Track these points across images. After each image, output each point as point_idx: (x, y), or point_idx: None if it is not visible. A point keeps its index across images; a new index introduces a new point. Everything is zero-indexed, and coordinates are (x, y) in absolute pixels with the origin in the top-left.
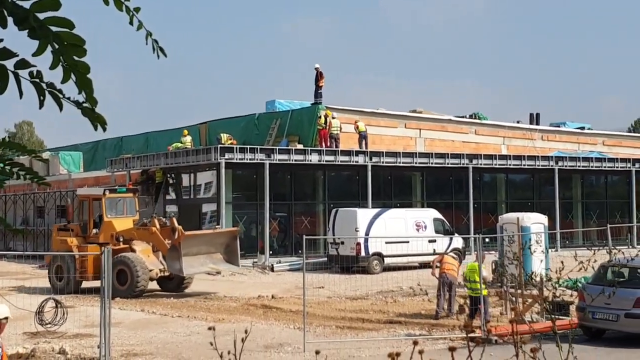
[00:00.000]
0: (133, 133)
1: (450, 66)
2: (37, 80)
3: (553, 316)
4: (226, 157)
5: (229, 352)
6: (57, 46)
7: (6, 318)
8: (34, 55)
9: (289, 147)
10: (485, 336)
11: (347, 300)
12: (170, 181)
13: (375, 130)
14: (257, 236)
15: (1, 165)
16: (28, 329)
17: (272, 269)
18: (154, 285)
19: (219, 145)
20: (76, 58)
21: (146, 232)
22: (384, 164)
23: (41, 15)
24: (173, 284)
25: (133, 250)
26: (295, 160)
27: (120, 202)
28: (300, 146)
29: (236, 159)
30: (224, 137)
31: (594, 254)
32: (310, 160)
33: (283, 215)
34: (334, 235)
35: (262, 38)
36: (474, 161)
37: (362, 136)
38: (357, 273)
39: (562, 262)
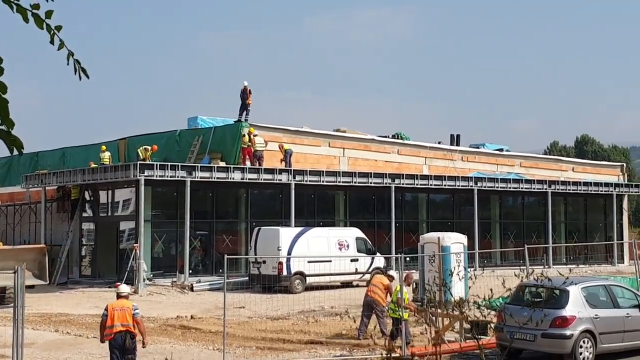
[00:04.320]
0: (49, 148)
1: (373, 86)
2: None
3: (477, 336)
4: (146, 174)
5: None
6: None
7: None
8: None
9: (211, 165)
10: (406, 356)
11: (268, 321)
12: (88, 198)
13: (299, 149)
14: (177, 255)
15: None
16: None
17: (191, 289)
18: None
19: (139, 162)
20: None
21: None
22: (308, 183)
23: None
24: None
25: None
26: (218, 178)
27: None
28: (222, 164)
29: (156, 176)
30: (141, 151)
31: (528, 276)
32: (233, 178)
33: (204, 233)
34: (255, 254)
35: (183, 53)
36: (396, 181)
37: (288, 153)
38: (279, 292)
39: (491, 290)
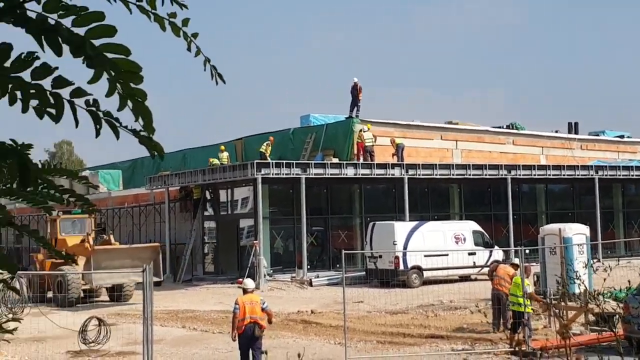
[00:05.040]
0: (170, 150)
1: (485, 76)
2: (94, 108)
3: (613, 328)
4: (262, 172)
5: None
6: (113, 73)
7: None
8: (89, 83)
9: (325, 161)
10: (530, 350)
11: (387, 315)
12: (208, 197)
13: (411, 143)
14: (295, 251)
15: (52, 191)
16: (72, 348)
17: (310, 284)
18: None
19: (256, 161)
20: (133, 85)
21: (82, 247)
22: (421, 177)
23: (96, 42)
24: (117, 295)
25: (76, 264)
26: (331, 174)
27: (75, 222)
28: (335, 160)
29: (272, 174)
30: (263, 148)
31: None
32: (346, 174)
33: (320, 229)
34: (371, 249)
35: (295, 52)
36: (512, 172)
37: (400, 147)
38: (396, 287)
39: (629, 281)
